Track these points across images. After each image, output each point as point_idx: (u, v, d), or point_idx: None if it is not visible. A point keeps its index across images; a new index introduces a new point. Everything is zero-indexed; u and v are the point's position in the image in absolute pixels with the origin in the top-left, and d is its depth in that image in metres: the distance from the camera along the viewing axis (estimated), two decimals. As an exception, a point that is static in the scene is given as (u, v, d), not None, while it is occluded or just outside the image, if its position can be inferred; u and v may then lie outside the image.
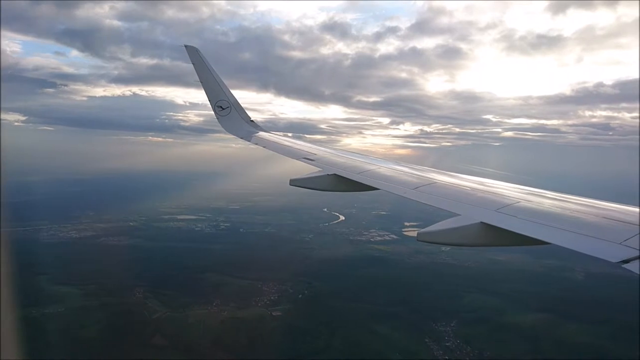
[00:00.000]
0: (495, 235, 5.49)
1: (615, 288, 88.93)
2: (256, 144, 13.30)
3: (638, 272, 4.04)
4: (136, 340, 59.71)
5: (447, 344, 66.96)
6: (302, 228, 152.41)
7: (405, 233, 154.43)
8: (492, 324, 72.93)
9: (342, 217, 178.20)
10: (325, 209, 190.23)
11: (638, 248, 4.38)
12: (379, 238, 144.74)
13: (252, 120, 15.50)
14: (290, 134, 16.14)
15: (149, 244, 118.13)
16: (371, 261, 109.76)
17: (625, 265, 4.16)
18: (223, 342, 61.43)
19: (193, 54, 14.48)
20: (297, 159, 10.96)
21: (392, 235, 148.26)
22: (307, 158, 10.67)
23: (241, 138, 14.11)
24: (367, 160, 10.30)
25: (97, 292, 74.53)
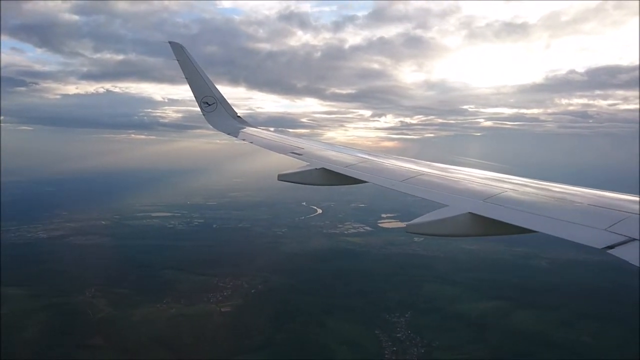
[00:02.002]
0: (483, 225, 5.52)
1: (575, 275, 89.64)
2: (243, 139, 13.11)
3: (623, 258, 4.01)
4: (73, 341, 58.59)
5: (397, 334, 66.35)
6: (277, 222, 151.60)
7: (380, 225, 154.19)
8: (445, 313, 72.43)
9: (319, 210, 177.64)
10: (304, 203, 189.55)
11: (623, 234, 4.39)
12: (352, 230, 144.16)
13: (238, 116, 15.35)
14: (272, 129, 15.75)
15: (117, 242, 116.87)
16: (339, 254, 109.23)
17: (610, 251, 4.15)
18: (164, 341, 60.45)
19: (178, 50, 14.44)
20: (284, 154, 10.79)
21: (366, 228, 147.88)
22: (295, 152, 10.55)
23: (228, 134, 13.96)
24: (355, 153, 10.28)
25: (46, 293, 73.24)
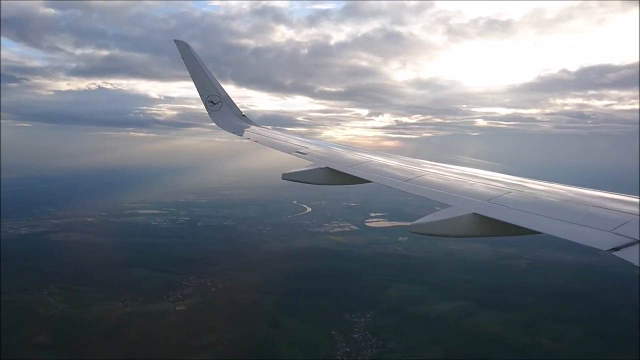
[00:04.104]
0: (487, 226, 5.50)
1: (551, 276, 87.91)
2: (248, 138, 13.17)
3: (628, 260, 4.00)
4: (18, 339, 57.68)
5: (354, 335, 65.06)
6: (263, 221, 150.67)
7: (367, 224, 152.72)
8: (407, 314, 71.05)
9: (309, 209, 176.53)
10: (295, 201, 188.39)
11: (628, 236, 4.35)
12: (338, 229, 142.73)
13: (243, 115, 15.37)
14: (268, 127, 15.62)
15: (97, 239, 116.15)
16: (318, 253, 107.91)
17: (615, 253, 4.14)
18: (111, 339, 59.54)
19: (183, 49, 14.41)
20: (289, 153, 10.86)
21: (352, 227, 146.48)
22: (299, 152, 10.65)
23: (233, 133, 14.03)
24: (359, 152, 10.34)
25: (4, 290, 72.39)
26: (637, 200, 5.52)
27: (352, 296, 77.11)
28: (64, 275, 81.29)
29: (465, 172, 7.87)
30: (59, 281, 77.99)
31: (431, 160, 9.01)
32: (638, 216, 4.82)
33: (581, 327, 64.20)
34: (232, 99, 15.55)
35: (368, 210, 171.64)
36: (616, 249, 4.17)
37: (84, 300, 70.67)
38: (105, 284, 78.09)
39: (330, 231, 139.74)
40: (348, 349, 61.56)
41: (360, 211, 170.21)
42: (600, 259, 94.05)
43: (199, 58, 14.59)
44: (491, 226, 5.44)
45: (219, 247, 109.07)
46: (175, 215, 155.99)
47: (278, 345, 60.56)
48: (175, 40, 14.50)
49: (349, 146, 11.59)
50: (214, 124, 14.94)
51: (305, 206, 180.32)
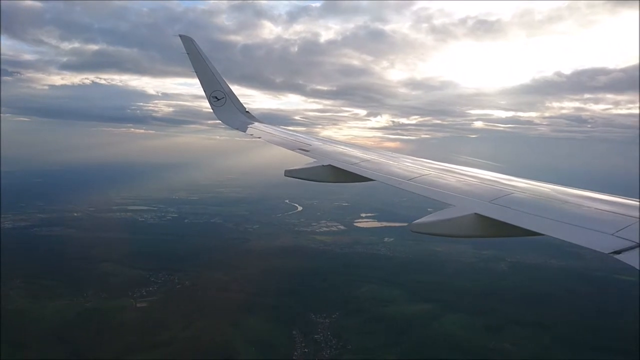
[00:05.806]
0: (489, 227, 5.45)
1: (529, 279, 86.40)
2: (251, 134, 13.21)
3: (629, 264, 3.97)
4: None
5: (315, 336, 63.97)
6: (252, 219, 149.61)
7: (356, 224, 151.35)
8: (373, 315, 69.79)
9: (300, 208, 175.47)
10: (287, 200, 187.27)
11: (630, 239, 4.31)
12: (325, 229, 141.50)
13: (247, 111, 15.43)
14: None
15: (79, 234, 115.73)
16: (299, 252, 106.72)
17: (617, 256, 4.08)
18: (63, 336, 58.70)
19: (188, 44, 14.51)
20: (292, 150, 10.88)
21: (340, 227, 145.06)
22: (302, 149, 10.64)
23: (236, 129, 14.09)
24: (362, 151, 10.38)
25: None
26: (638, 203, 5.46)
27: (322, 296, 75.99)
28: (33, 269, 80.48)
29: (467, 172, 7.80)
30: (26, 275, 77.27)
31: (437, 161, 8.95)
32: (639, 219, 4.77)
33: (548, 332, 62.64)
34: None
35: (359, 210, 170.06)
36: (618, 252, 4.09)
37: (46, 295, 69.97)
38: (72, 279, 77.49)
39: (317, 231, 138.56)
40: (307, 350, 60.51)
41: (351, 211, 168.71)
42: (583, 264, 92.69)
43: (203, 53, 14.58)
44: (492, 227, 5.37)
45: (199, 245, 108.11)
46: (164, 212, 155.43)
47: (234, 344, 59.48)
48: (180, 36, 14.51)
49: (352, 144, 11.52)
50: (211, 121, 14.84)
51: (297, 205, 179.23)
